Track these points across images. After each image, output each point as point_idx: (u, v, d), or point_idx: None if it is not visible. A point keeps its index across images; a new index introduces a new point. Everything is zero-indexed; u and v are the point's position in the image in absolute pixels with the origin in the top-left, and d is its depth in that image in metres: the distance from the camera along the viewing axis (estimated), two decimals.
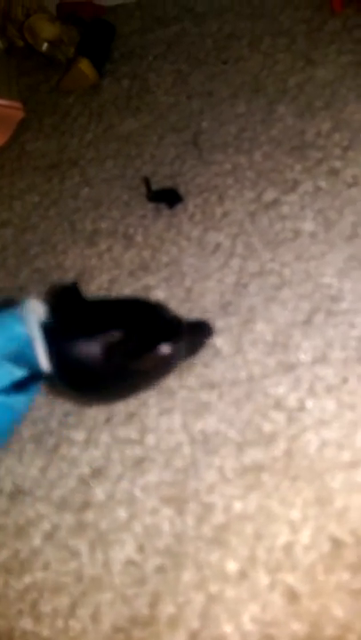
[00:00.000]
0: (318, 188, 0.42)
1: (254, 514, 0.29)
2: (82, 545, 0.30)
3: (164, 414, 0.34)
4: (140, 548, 0.29)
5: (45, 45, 0.60)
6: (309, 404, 0.32)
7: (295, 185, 0.43)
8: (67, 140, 0.55)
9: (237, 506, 0.29)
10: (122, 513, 0.31)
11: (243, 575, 0.28)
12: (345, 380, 0.32)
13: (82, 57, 0.57)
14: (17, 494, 0.33)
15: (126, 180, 0.49)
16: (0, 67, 0.65)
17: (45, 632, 0.28)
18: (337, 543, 0.27)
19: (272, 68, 0.54)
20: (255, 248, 0.40)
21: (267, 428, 0.32)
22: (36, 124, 0.58)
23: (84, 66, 0.57)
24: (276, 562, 0.28)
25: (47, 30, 0.59)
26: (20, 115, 0.58)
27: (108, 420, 0.35)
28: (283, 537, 0.28)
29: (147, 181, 0.46)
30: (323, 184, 0.42)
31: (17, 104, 0.59)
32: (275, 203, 0.42)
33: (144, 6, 0.69)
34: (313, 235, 0.40)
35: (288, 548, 0.28)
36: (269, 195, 0.43)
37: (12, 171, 0.54)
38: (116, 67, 0.61)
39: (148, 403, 0.35)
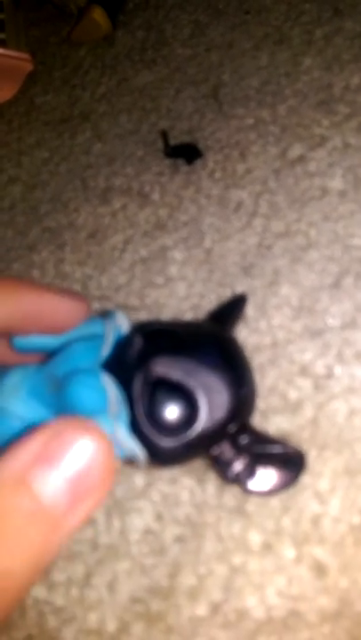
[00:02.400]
0: (347, 145, 0.40)
1: None
2: (98, 512, 0.29)
3: None
4: (159, 517, 0.28)
5: None
6: (338, 370, 0.31)
7: (323, 141, 0.41)
8: (78, 94, 0.52)
9: None
10: (139, 481, 0.29)
11: (267, 547, 0.26)
12: None
13: (95, 5, 0.54)
14: None
15: (141, 136, 0.46)
16: (8, 18, 0.61)
17: (59, 601, 0.27)
18: None
19: (297, 19, 0.51)
20: (280, 207, 0.38)
21: (292, 395, 0.31)
22: (45, 77, 0.55)
23: (98, 15, 0.54)
24: (303, 534, 0.26)
25: None
26: (28, 67, 0.56)
27: None
28: (310, 508, 0.27)
29: (165, 135, 0.43)
30: (352, 140, 0.40)
31: (25, 55, 0.56)
32: (301, 159, 0.40)
33: None
34: (342, 193, 0.37)
35: (316, 519, 0.27)
36: (295, 151, 0.41)
37: (20, 125, 0.51)
38: (129, 18, 0.58)
39: None
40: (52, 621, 0.26)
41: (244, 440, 0.27)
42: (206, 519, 0.27)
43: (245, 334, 0.33)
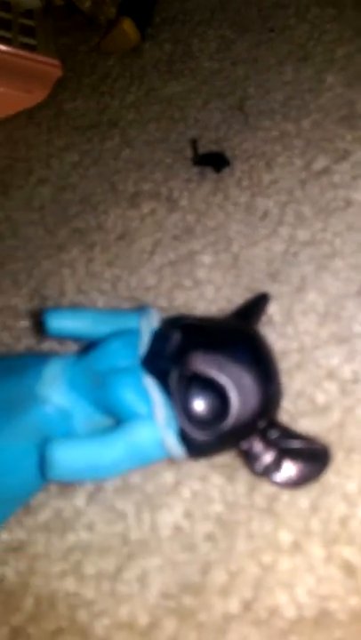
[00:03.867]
0: None
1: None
2: (128, 507, 0.28)
3: None
4: (189, 514, 0.27)
5: (88, 4, 0.56)
6: None
7: (346, 154, 0.40)
8: (106, 101, 0.51)
9: None
10: (169, 477, 0.28)
11: (297, 547, 0.26)
12: None
13: (125, 17, 0.54)
14: None
15: (170, 143, 0.46)
16: (38, 25, 0.61)
17: (90, 594, 0.26)
18: None
19: (320, 37, 0.51)
20: (305, 217, 0.38)
21: (320, 398, 0.30)
22: (74, 83, 0.54)
23: (128, 26, 0.53)
24: (333, 535, 0.26)
25: None
26: (57, 72, 0.55)
27: None
28: (338, 509, 0.26)
29: (194, 143, 0.43)
30: None
31: (55, 61, 0.55)
32: (325, 171, 0.40)
33: None
34: None
35: (344, 520, 0.26)
36: (320, 163, 0.40)
37: (49, 128, 0.50)
38: (157, 31, 0.57)
39: None
40: (82, 615, 0.26)
41: (272, 435, 0.27)
42: (237, 517, 0.27)
43: (273, 339, 0.32)
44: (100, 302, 0.37)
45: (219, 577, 0.25)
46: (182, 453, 0.26)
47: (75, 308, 0.31)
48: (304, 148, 0.42)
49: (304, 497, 0.27)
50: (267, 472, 0.27)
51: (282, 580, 0.25)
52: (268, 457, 0.27)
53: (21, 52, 0.55)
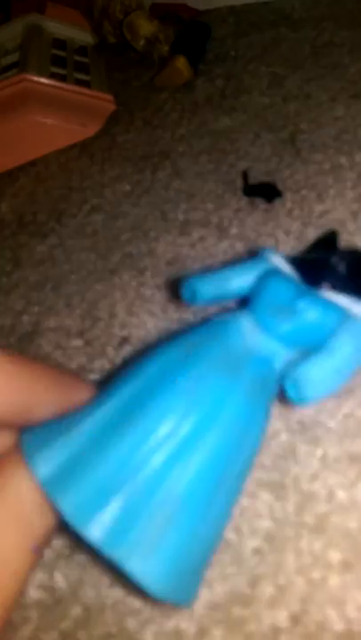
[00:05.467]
0: None
1: (359, 504, 0.29)
2: None
3: None
4: (237, 529, 0.30)
5: (142, 42, 0.63)
6: None
7: None
8: (158, 134, 0.57)
9: (341, 495, 0.30)
10: None
11: (347, 565, 0.28)
12: None
13: (179, 55, 0.60)
14: None
15: (220, 175, 0.50)
16: (92, 62, 0.68)
17: (137, 603, 0.29)
18: None
19: None
20: (358, 247, 0.41)
21: None
22: (127, 117, 0.60)
23: (181, 63, 0.60)
24: None
25: (146, 27, 0.62)
26: (110, 107, 0.61)
27: None
28: None
29: (245, 175, 0.48)
30: None
31: (108, 96, 0.62)
32: None
33: (238, 11, 0.71)
34: None
35: None
36: None
37: (102, 159, 0.56)
38: (209, 68, 0.63)
39: None
40: (131, 622, 0.28)
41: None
42: (286, 534, 0.29)
43: None
44: (150, 324, 0.41)
45: (267, 590, 0.28)
46: None
47: (207, 273, 0.32)
48: (356, 180, 0.46)
49: (354, 515, 0.29)
50: None
51: (331, 596, 0.27)
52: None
53: (76, 88, 0.61)
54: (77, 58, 0.69)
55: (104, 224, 0.50)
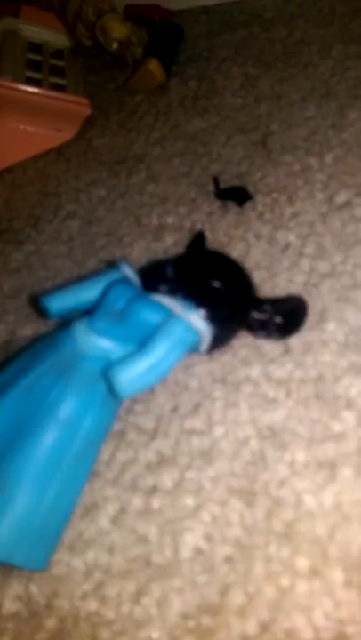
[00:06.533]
0: None
1: (327, 511, 0.29)
2: (150, 530, 0.30)
3: (230, 407, 0.35)
4: (208, 538, 0.30)
5: (115, 45, 0.62)
6: None
7: None
8: (133, 137, 0.56)
9: (309, 501, 0.29)
10: (189, 501, 0.31)
11: (315, 572, 0.27)
12: None
13: (151, 57, 0.59)
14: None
15: (193, 178, 0.50)
16: (67, 65, 0.67)
17: (110, 614, 0.28)
18: None
19: (343, 74, 0.55)
20: (326, 249, 0.41)
21: (336, 427, 0.32)
22: (102, 120, 0.59)
23: (154, 66, 0.58)
24: (352, 561, 0.27)
25: (119, 30, 0.61)
26: (87, 111, 0.60)
27: (174, 410, 0.35)
28: (358, 536, 0.28)
29: (215, 179, 0.47)
30: None
31: (84, 100, 0.60)
32: (347, 205, 0.43)
33: (211, 11, 0.70)
34: None
35: None
36: (341, 197, 0.43)
37: (78, 164, 0.55)
38: (182, 69, 0.62)
39: (214, 395, 0.35)
40: (104, 633, 0.28)
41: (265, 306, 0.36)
42: (255, 541, 0.29)
43: (291, 367, 0.35)
44: None
45: (237, 598, 0.27)
46: (208, 329, 0.33)
47: (62, 288, 0.36)
48: (326, 182, 0.45)
49: (322, 522, 0.29)
50: (271, 333, 0.36)
51: (299, 603, 0.27)
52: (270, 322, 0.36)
53: (52, 93, 0.60)
54: (53, 61, 0.67)
55: (80, 230, 0.49)
